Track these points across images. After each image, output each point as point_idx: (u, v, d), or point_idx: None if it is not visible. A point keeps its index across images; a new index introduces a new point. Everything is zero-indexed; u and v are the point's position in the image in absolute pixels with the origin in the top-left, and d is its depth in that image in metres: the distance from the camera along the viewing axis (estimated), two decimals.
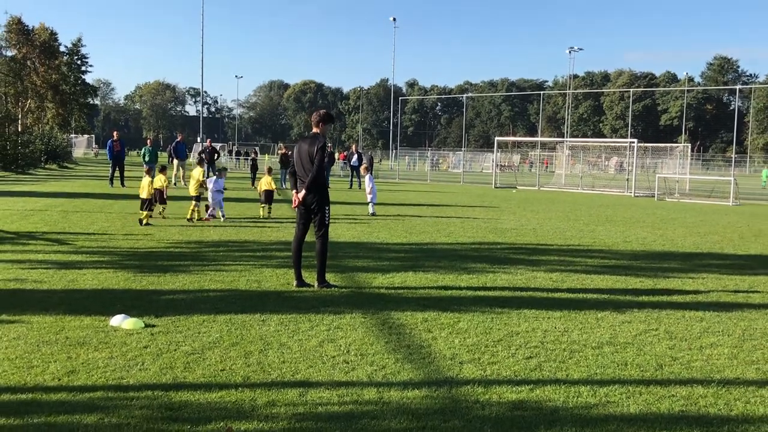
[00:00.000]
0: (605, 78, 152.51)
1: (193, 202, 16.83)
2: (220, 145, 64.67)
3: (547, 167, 68.89)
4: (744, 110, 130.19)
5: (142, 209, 15.61)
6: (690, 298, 9.18)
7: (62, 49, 53.75)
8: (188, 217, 16.70)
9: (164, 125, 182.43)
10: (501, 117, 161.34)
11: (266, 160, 57.30)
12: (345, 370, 5.80)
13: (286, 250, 12.33)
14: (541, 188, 41.73)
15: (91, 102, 60.62)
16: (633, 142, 40.32)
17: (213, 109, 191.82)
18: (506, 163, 76.09)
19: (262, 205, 18.31)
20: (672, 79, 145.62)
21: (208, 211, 17.08)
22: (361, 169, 24.10)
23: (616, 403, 5.21)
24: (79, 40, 54.70)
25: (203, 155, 32.05)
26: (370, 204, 19.96)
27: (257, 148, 69.29)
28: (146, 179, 15.91)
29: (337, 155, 52.43)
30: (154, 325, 7.00)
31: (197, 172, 17.39)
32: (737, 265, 12.20)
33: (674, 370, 6.07)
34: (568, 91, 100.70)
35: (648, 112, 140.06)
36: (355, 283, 9.57)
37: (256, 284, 9.26)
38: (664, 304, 8.76)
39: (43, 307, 7.60)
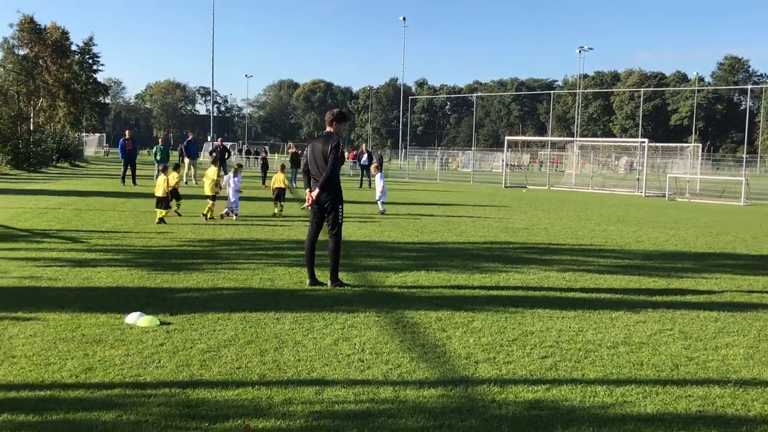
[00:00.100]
0: (615, 78, 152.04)
1: (210, 201, 16.93)
2: (230, 144, 64.72)
3: (557, 167, 68.68)
4: (755, 110, 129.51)
5: (157, 207, 15.65)
6: (704, 298, 9.14)
7: (74, 48, 54.01)
8: (204, 213, 16.85)
9: (174, 124, 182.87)
10: (510, 116, 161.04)
11: (276, 159, 57.41)
12: (360, 368, 5.81)
13: (298, 248, 12.36)
14: (552, 188, 41.64)
15: (103, 101, 60.83)
16: (644, 142, 40.19)
17: (223, 109, 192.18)
18: (516, 163, 75.93)
19: (276, 202, 18.41)
20: (682, 78, 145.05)
21: (225, 209, 17.14)
22: (372, 168, 24.08)
23: (632, 403, 5.20)
24: (91, 39, 55.05)
25: (215, 154, 32.15)
26: (380, 203, 19.95)
27: (267, 147, 69.44)
28: (161, 177, 15.97)
29: (346, 154, 52.45)
30: (169, 323, 7.03)
31: (212, 172, 17.45)
32: (751, 266, 12.15)
33: (690, 370, 6.05)
34: (578, 91, 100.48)
35: (658, 112, 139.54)
36: (367, 281, 9.58)
37: (270, 283, 9.28)
38: (678, 304, 8.73)
39: (59, 305, 7.64)
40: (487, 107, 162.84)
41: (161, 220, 15.44)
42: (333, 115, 9.18)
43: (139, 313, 7.17)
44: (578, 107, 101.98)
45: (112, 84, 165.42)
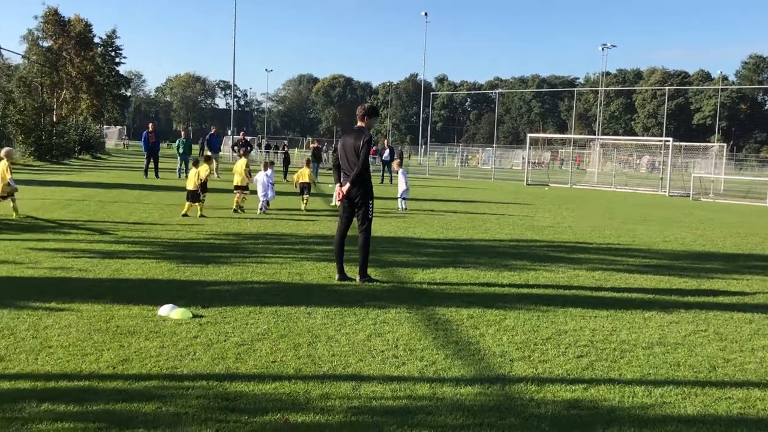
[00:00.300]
0: (637, 76, 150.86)
1: (237, 193, 17.20)
2: (250, 138, 64.90)
3: (578, 165, 68.30)
4: None
5: (187, 200, 15.68)
6: (736, 300, 9.04)
7: (96, 40, 54.33)
8: (239, 206, 17.07)
9: (194, 117, 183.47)
10: (531, 113, 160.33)
11: (295, 154, 57.54)
12: (395, 364, 5.79)
13: (325, 243, 12.39)
14: (574, 186, 41.42)
15: (125, 93, 61.20)
16: (668, 141, 39.86)
17: (242, 103, 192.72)
18: (536, 161, 75.65)
19: (302, 197, 18.53)
20: (706, 77, 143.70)
21: (261, 205, 17.24)
22: (394, 164, 24.00)
23: (672, 404, 5.14)
24: (114, 31, 55.40)
25: (237, 147, 32.25)
26: (401, 200, 19.78)
27: (286, 142, 69.52)
28: (193, 171, 16.02)
29: None
30: (202, 316, 7.04)
31: (241, 165, 17.57)
32: None
33: (728, 372, 5.98)
34: (600, 88, 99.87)
35: (681, 111, 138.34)
36: (396, 277, 9.55)
37: (298, 277, 9.28)
38: (710, 305, 8.64)
39: (91, 296, 7.67)
40: (508, 104, 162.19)
41: (191, 214, 15.47)
42: (364, 110, 9.15)
43: (171, 305, 7.19)
44: (600, 105, 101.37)
45: (133, 77, 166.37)
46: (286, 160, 34.22)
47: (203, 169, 16.33)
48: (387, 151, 35.01)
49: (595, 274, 10.43)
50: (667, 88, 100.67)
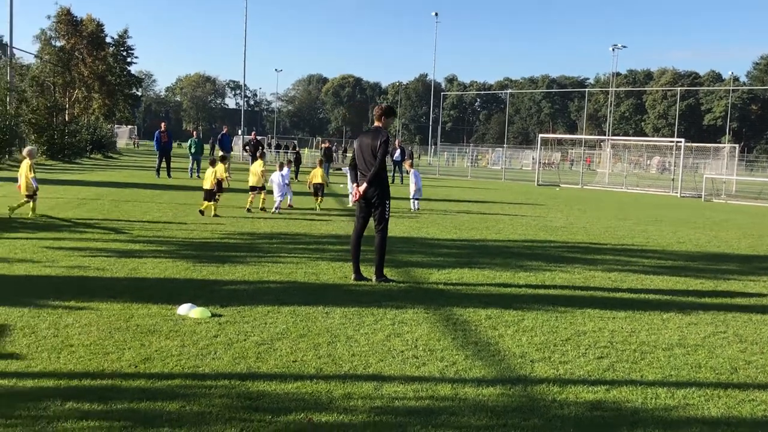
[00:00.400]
0: (648, 76, 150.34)
1: (255, 193, 17.39)
2: (260, 138, 64.98)
3: (589, 165, 68.09)
4: None
5: (205, 200, 15.72)
6: (754, 301, 9.00)
7: (108, 40, 54.48)
8: (261, 206, 17.26)
9: (203, 117, 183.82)
10: (541, 114, 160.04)
11: (305, 154, 57.58)
12: (416, 365, 5.78)
13: (339, 243, 12.40)
14: (585, 186, 41.32)
15: (136, 93, 61.40)
16: (680, 142, 39.70)
17: (252, 102, 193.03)
18: (547, 161, 75.44)
19: (317, 197, 18.61)
20: (717, 78, 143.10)
21: (277, 204, 17.29)
22: (406, 164, 23.96)
23: (695, 406, 5.12)
24: (125, 31, 55.64)
25: (248, 147, 32.31)
26: (412, 200, 19.71)
27: (296, 142, 69.59)
28: (210, 170, 16.05)
29: None
30: (220, 315, 7.05)
31: (257, 166, 17.65)
32: None
33: (750, 374, 5.95)
34: (611, 89, 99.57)
35: (691, 112, 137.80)
36: (411, 278, 9.55)
37: (314, 277, 9.28)
38: (728, 306, 8.60)
39: (110, 295, 7.69)
40: (518, 104, 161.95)
41: (207, 213, 15.51)
42: (382, 110, 9.14)
43: (190, 304, 7.20)
44: (611, 105, 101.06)
45: (144, 76, 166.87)
46: (298, 160, 34.23)
47: (220, 168, 16.38)
48: (398, 151, 34.95)
49: (611, 275, 10.40)
50: (678, 88, 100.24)
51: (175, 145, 69.41)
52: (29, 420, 4.37)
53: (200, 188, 20.53)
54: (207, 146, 47.30)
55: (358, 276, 9.16)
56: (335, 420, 4.58)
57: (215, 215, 15.48)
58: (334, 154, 42.47)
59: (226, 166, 17.63)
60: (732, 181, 40.13)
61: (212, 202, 15.66)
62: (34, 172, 14.22)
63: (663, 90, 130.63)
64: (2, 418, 4.38)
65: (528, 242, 13.83)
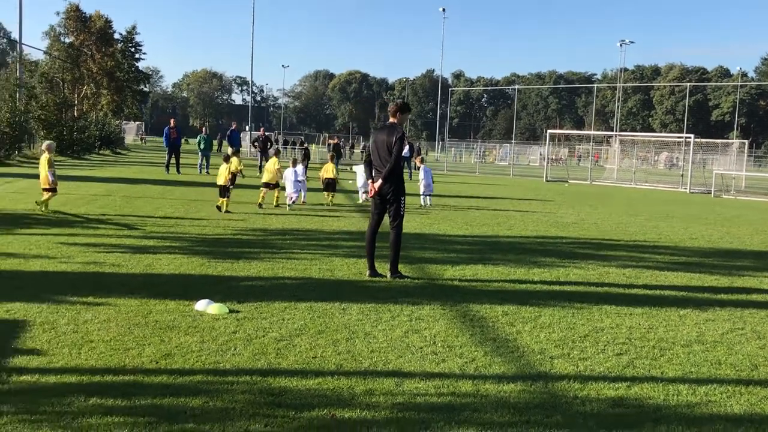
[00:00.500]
0: (655, 72, 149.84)
1: (268, 190, 17.43)
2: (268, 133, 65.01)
3: (597, 161, 67.94)
4: None
5: (221, 196, 15.76)
6: None
7: (116, 36, 54.56)
8: (275, 203, 17.28)
9: (210, 113, 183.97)
10: (548, 110, 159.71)
11: (312, 150, 57.57)
12: (435, 361, 5.78)
13: (351, 239, 12.41)
14: (594, 182, 41.24)
15: (144, 89, 61.48)
16: (689, 137, 39.57)
17: (259, 99, 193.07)
18: (554, 157, 75.32)
19: (326, 193, 18.61)
20: (724, 74, 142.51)
21: (290, 200, 17.30)
22: (416, 160, 23.94)
23: (717, 403, 5.11)
24: (134, 27, 55.61)
25: (257, 144, 32.34)
26: (422, 196, 19.67)
27: (302, 138, 69.57)
28: (224, 166, 16.07)
29: None
30: (238, 311, 7.07)
31: (272, 163, 17.69)
32: None
33: None
34: (618, 85, 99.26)
35: (699, 108, 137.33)
36: (426, 274, 9.55)
37: (329, 273, 9.29)
38: (745, 302, 8.58)
39: (127, 291, 7.71)
40: (525, 100, 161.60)
41: (223, 209, 15.53)
42: (397, 106, 9.13)
43: (207, 300, 7.21)
44: (618, 101, 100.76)
45: (151, 72, 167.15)
46: (306, 156, 34.24)
47: (234, 162, 16.41)
48: (407, 147, 34.92)
49: (625, 271, 10.38)
50: (688, 84, 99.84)
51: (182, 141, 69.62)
52: (54, 416, 4.39)
53: (210, 184, 20.63)
54: (214, 142, 47.25)
55: (373, 272, 9.16)
56: (358, 416, 4.58)
57: (227, 211, 15.50)
58: (342, 150, 42.41)
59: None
60: (741, 176, 39.98)
61: (226, 198, 15.68)
62: (53, 167, 14.35)
63: (671, 85, 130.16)
64: (27, 413, 4.39)
65: (540, 238, 13.82)
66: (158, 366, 5.39)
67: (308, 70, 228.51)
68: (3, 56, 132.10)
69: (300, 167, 18.00)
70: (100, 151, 47.31)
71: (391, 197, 8.97)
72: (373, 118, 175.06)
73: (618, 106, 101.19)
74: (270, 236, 12.55)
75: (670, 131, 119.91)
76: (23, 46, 38.98)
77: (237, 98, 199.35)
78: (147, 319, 6.66)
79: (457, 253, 11.46)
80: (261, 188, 17.53)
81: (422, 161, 21.23)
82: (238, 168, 16.64)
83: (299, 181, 17.34)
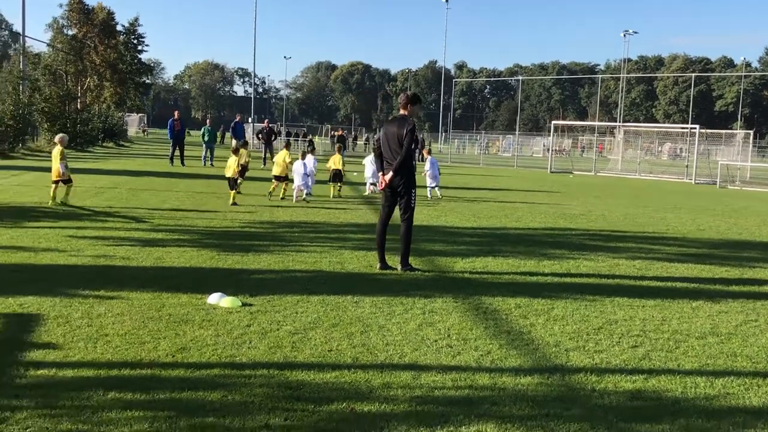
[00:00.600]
0: (659, 62, 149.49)
1: (275, 183, 17.47)
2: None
3: (601, 152, 67.80)
4: None
5: (230, 189, 15.75)
6: None
7: (119, 28, 54.42)
8: (281, 196, 17.29)
9: (212, 105, 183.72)
10: (551, 100, 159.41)
11: (316, 142, 57.48)
12: (450, 354, 5.77)
13: (360, 232, 12.40)
14: (598, 173, 41.17)
15: (147, 81, 61.36)
16: (694, 128, 39.47)
17: (261, 90, 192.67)
18: (557, 148, 75.16)
19: (332, 184, 18.61)
20: (728, 64, 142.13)
21: (296, 194, 17.23)
22: (424, 152, 23.90)
23: (736, 395, 5.10)
24: (136, 19, 55.42)
25: (261, 135, 32.30)
26: (429, 188, 19.57)
27: (305, 129, 69.47)
28: (232, 158, 16.06)
29: None
30: (251, 304, 7.06)
31: (283, 155, 17.68)
32: None
33: None
34: (622, 75, 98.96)
35: (703, 98, 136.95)
36: (436, 267, 9.53)
37: (339, 266, 9.27)
38: (757, 294, 8.56)
39: (138, 284, 7.70)
40: (527, 91, 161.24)
41: (230, 201, 15.53)
42: (407, 98, 9.08)
43: (220, 294, 7.20)
44: (622, 92, 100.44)
45: (152, 64, 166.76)
46: (312, 148, 34.20)
47: (243, 154, 16.41)
48: None
49: (635, 263, 10.36)
50: (693, 75, 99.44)
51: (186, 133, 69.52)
52: (73, 410, 4.38)
53: (215, 176, 20.65)
54: (218, 134, 47.22)
55: (384, 265, 9.14)
56: (377, 410, 4.57)
57: (233, 203, 15.48)
58: (346, 142, 42.36)
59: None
60: (747, 167, 39.90)
61: (234, 191, 15.67)
62: (65, 159, 14.40)
63: (674, 76, 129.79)
64: (47, 408, 4.39)
65: (548, 230, 13.80)
66: (174, 360, 5.38)
67: (310, 62, 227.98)
68: (5, 49, 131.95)
69: (310, 159, 17.93)
70: (104, 144, 47.29)
71: (402, 190, 8.94)
72: (376, 109, 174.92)
73: (621, 97, 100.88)
74: (278, 229, 12.53)
75: (674, 122, 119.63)
76: (26, 38, 38.92)
77: (239, 90, 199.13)
78: (160, 312, 6.66)
79: (466, 246, 11.44)
80: (273, 180, 17.53)
81: (429, 152, 21.13)
82: (247, 160, 16.63)
83: (307, 175, 17.27)
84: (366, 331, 6.33)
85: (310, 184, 17.58)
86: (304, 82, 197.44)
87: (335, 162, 18.69)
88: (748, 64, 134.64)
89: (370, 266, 9.30)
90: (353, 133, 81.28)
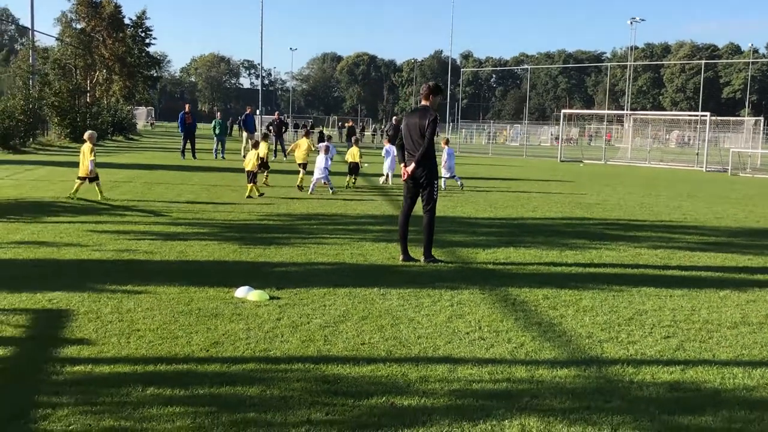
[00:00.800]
0: (665, 50, 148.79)
1: (302, 171, 17.68)
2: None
3: (609, 141, 67.55)
4: None
5: (248, 182, 15.74)
6: None
7: (126, 21, 54.41)
8: (298, 184, 17.38)
9: (218, 97, 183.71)
10: (557, 89, 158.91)
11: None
12: (484, 346, 5.75)
13: (378, 223, 12.38)
14: (608, 162, 41.03)
15: (155, 74, 61.38)
16: (705, 116, 39.28)
17: (267, 82, 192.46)
18: (565, 137, 74.86)
19: (349, 176, 18.68)
20: (735, 50, 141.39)
21: (313, 186, 17.17)
22: (442, 142, 23.76)
23: None
24: (143, 12, 55.45)
25: (272, 128, 32.27)
26: (444, 179, 19.42)
27: (311, 121, 69.36)
28: (252, 152, 16.05)
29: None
30: (278, 298, 7.04)
31: (304, 143, 17.78)
32: None
33: None
34: (629, 63, 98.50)
35: (710, 85, 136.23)
36: (459, 258, 9.50)
37: (362, 258, 9.25)
38: None
39: (165, 279, 7.69)
40: (534, 80, 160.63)
41: (246, 193, 15.54)
42: (429, 89, 9.02)
43: (247, 287, 7.19)
44: (629, 80, 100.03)
45: (159, 57, 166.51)
46: (321, 140, 34.15)
47: (263, 148, 16.42)
48: None
49: (657, 252, 10.32)
50: (703, 62, 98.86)
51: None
52: (114, 406, 4.37)
53: (227, 169, 20.66)
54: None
55: (407, 257, 9.12)
56: (417, 404, 4.55)
57: (248, 196, 15.47)
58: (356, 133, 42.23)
59: (248, 146, 17.69)
60: (757, 154, 39.70)
61: (254, 184, 15.65)
62: (94, 156, 14.45)
63: (681, 63, 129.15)
64: (87, 405, 4.38)
65: (566, 220, 13.75)
66: (209, 354, 5.37)
67: (316, 53, 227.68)
68: (11, 43, 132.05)
69: (332, 149, 17.93)
70: (113, 137, 47.30)
71: (424, 181, 8.90)
72: (382, 100, 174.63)
73: (629, 85, 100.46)
74: (296, 221, 12.51)
75: (681, 109, 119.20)
76: (35, 32, 38.92)
77: (245, 82, 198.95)
78: (190, 306, 6.65)
79: (486, 236, 11.41)
80: (300, 170, 17.83)
81: (447, 142, 20.96)
82: (267, 153, 16.63)
83: (326, 168, 17.20)
84: (396, 323, 6.31)
85: (316, 178, 17.46)
86: (310, 73, 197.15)
87: (353, 155, 18.71)
88: (755, 51, 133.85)
89: (392, 258, 9.28)
90: (360, 123, 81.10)
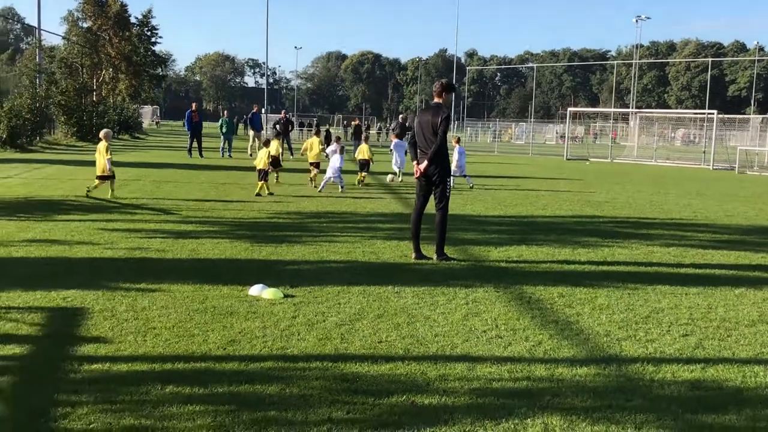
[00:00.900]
0: (671, 48, 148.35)
1: (313, 170, 17.95)
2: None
3: (615, 139, 67.41)
4: None
5: (259, 180, 15.71)
6: None
7: (132, 20, 54.43)
8: (310, 177, 17.79)
9: (223, 96, 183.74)
10: (562, 87, 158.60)
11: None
12: (502, 345, 5.71)
13: (388, 221, 12.35)
14: (614, 160, 40.94)
15: (161, 73, 61.40)
16: (711, 113, 39.17)
17: (271, 81, 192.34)
18: (571, 135, 74.70)
19: (359, 174, 18.78)
20: (741, 48, 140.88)
21: (323, 185, 17.10)
22: (453, 141, 23.68)
23: None
24: (149, 11, 55.44)
25: (278, 126, 32.25)
26: (452, 178, 19.34)
27: (316, 120, 69.26)
28: (264, 150, 16.04)
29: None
30: (293, 296, 7.02)
31: (317, 143, 17.91)
32: None
33: None
34: (634, 61, 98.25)
35: (715, 83, 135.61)
36: (471, 256, 9.47)
37: (374, 256, 9.22)
38: None
39: (178, 276, 7.67)
40: (538, 78, 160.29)
41: (256, 191, 15.53)
42: (442, 86, 9.00)
43: (261, 285, 7.17)
44: (635, 78, 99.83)
45: (164, 56, 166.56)
46: (328, 139, 34.13)
47: (274, 146, 16.43)
48: None
49: (669, 250, 10.27)
50: (709, 60, 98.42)
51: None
52: (134, 405, 4.35)
53: (235, 167, 20.65)
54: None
55: (419, 255, 9.09)
56: (438, 402, 4.52)
57: (257, 194, 15.45)
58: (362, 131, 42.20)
59: (255, 144, 17.73)
60: (765, 152, 39.58)
61: (264, 182, 15.63)
62: (111, 154, 14.47)
63: (686, 61, 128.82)
64: (107, 403, 4.36)
65: (576, 218, 13.71)
66: (226, 352, 5.35)
67: (320, 52, 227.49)
68: (17, 42, 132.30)
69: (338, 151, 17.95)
70: (120, 136, 47.33)
71: (437, 178, 8.87)
72: (386, 98, 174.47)
73: (634, 83, 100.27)
74: (306, 219, 12.49)
75: (686, 107, 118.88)
76: (42, 31, 38.95)
77: (249, 81, 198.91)
78: (204, 304, 6.63)
79: (497, 234, 11.38)
80: (311, 168, 18.09)
81: (458, 141, 20.91)
82: (278, 151, 16.64)
83: (339, 167, 17.15)
84: (412, 322, 6.28)
85: (327, 178, 17.42)
86: (314, 72, 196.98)
87: (363, 152, 18.74)
88: (761, 48, 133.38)
89: (404, 256, 9.25)
90: (365, 122, 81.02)
